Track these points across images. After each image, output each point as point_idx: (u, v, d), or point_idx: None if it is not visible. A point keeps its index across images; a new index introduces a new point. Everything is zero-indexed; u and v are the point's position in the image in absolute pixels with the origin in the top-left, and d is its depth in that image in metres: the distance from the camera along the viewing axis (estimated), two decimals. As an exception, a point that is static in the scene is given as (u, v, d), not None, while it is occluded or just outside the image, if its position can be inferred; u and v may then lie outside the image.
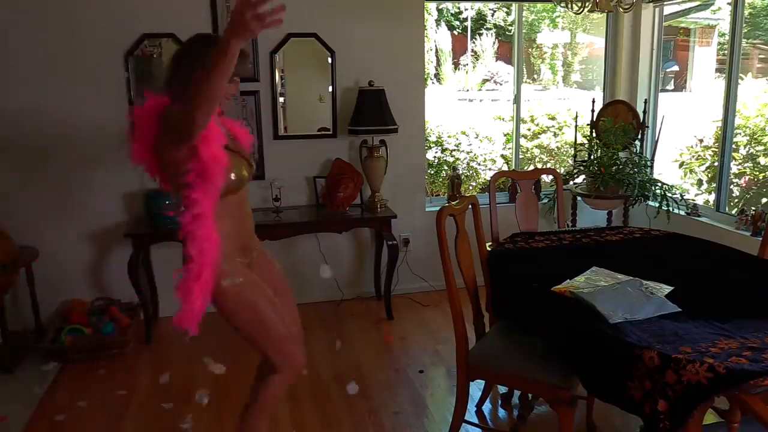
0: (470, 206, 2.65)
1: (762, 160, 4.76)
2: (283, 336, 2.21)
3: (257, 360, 3.50)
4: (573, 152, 4.85)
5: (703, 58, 6.30)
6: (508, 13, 7.71)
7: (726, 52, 4.01)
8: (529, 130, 6.43)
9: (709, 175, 4.95)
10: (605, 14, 4.64)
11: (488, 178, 3.38)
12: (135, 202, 3.92)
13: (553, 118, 6.50)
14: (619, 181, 4.24)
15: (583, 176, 4.51)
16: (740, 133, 4.68)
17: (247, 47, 2.06)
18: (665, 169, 4.97)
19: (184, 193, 1.97)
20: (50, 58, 3.70)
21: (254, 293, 2.17)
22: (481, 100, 7.77)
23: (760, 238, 2.94)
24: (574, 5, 3.46)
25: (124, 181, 3.90)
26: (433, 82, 7.66)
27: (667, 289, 2.18)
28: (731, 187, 4.55)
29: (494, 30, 7.97)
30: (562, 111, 6.54)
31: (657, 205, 4.31)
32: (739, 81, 3.97)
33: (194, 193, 1.96)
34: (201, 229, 2.01)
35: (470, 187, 6.20)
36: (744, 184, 4.89)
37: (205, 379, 3.30)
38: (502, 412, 3.01)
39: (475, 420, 2.90)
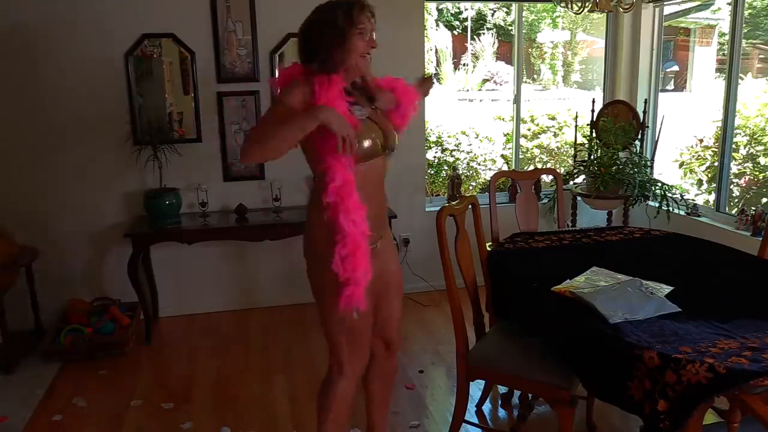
0: (470, 206, 2.65)
1: (762, 160, 4.76)
2: (365, 342, 2.14)
3: (255, 360, 3.51)
4: (573, 152, 4.85)
5: (703, 58, 6.29)
6: (508, 13, 7.70)
7: (726, 52, 4.01)
8: (529, 130, 6.42)
9: (709, 175, 4.95)
10: (605, 14, 4.64)
11: (488, 178, 3.38)
12: (135, 202, 3.92)
13: (553, 118, 6.50)
14: (619, 181, 4.24)
15: (583, 176, 4.51)
16: (740, 133, 4.68)
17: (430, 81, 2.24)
18: (665, 169, 4.97)
19: (323, 163, 1.91)
20: (50, 57, 3.70)
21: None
22: (481, 100, 7.76)
23: (760, 238, 2.94)
24: (574, 5, 3.46)
25: (124, 181, 3.91)
26: (433, 82, 7.66)
27: (667, 289, 2.18)
28: (731, 187, 4.54)
29: (494, 30, 7.96)
30: (562, 111, 6.53)
31: (657, 205, 4.31)
32: (739, 81, 3.97)
33: (330, 161, 1.89)
34: (347, 199, 1.90)
35: (470, 187, 6.20)
36: (744, 184, 4.89)
37: (204, 379, 3.30)
38: (502, 412, 3.01)
39: (475, 420, 2.90)
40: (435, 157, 6.17)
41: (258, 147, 1.83)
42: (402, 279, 2.34)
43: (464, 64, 8.05)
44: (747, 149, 4.80)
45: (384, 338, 2.33)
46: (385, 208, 2.20)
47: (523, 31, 4.83)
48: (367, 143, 1.98)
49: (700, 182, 5.10)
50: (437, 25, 7.69)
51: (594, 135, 4.54)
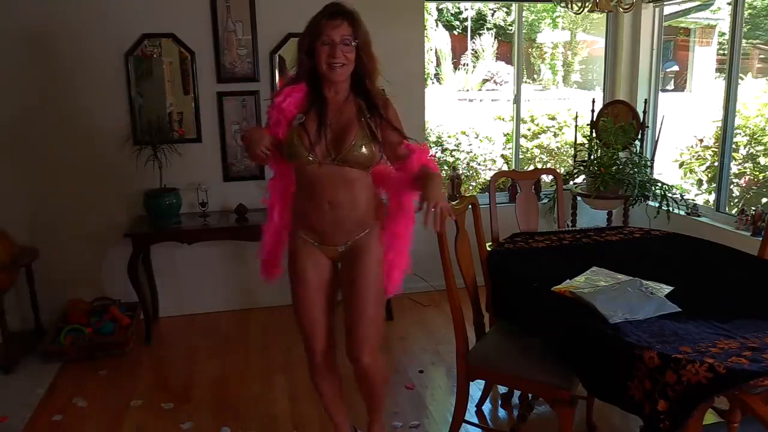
0: (470, 206, 2.65)
1: (762, 160, 4.76)
2: (302, 318, 2.30)
3: (255, 360, 3.51)
4: (573, 152, 4.85)
5: (703, 58, 6.29)
6: (508, 13, 7.69)
7: (726, 52, 4.01)
8: (529, 130, 6.42)
9: (709, 175, 4.95)
10: (605, 14, 4.64)
11: (488, 178, 3.38)
12: (135, 202, 3.92)
13: (553, 118, 6.49)
14: (619, 181, 4.24)
15: (583, 176, 4.51)
16: (740, 133, 4.68)
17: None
18: (665, 169, 4.97)
19: None
20: (50, 57, 3.70)
21: (293, 269, 2.27)
22: (481, 100, 7.75)
23: (760, 238, 2.94)
24: (574, 5, 3.46)
25: (124, 181, 3.91)
26: (433, 82, 7.66)
27: (667, 289, 2.18)
28: (731, 187, 4.54)
29: (494, 30, 7.96)
30: (562, 111, 6.53)
31: (657, 205, 4.31)
32: (739, 81, 3.97)
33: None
34: (273, 195, 2.25)
35: (470, 187, 6.20)
36: (744, 184, 4.89)
37: (204, 379, 3.30)
38: (502, 412, 3.01)
39: (475, 420, 2.90)
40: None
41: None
42: (374, 282, 2.20)
43: (464, 64, 8.05)
44: (747, 149, 4.79)
45: (350, 341, 2.22)
46: (354, 215, 2.16)
47: (523, 31, 4.83)
48: (291, 149, 2.08)
49: (700, 182, 5.10)
50: (437, 25, 7.69)
51: (594, 135, 4.54)
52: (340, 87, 2.12)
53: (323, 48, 2.02)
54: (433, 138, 6.18)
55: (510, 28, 7.45)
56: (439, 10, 7.58)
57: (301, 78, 2.11)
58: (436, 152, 6.19)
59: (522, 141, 5.87)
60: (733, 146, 4.26)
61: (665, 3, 4.53)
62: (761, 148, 4.75)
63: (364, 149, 2.08)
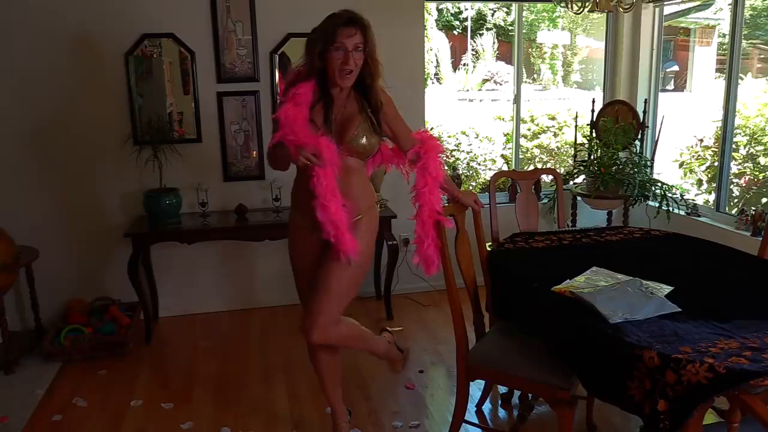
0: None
1: (762, 160, 4.76)
2: (299, 289, 2.55)
3: (255, 360, 3.51)
4: (573, 152, 4.85)
5: (703, 58, 6.28)
6: (508, 13, 7.69)
7: (726, 52, 4.01)
8: (529, 130, 6.42)
9: (709, 175, 4.95)
10: (605, 14, 4.64)
11: (488, 178, 3.39)
12: (135, 202, 3.92)
13: (553, 118, 6.49)
14: (619, 181, 4.24)
15: (583, 176, 4.51)
16: (740, 133, 4.68)
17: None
18: (665, 169, 4.97)
19: None
20: (50, 57, 3.70)
21: (290, 251, 2.60)
22: (481, 100, 7.75)
23: (760, 238, 2.94)
24: (574, 5, 3.47)
25: (124, 181, 3.91)
26: (433, 82, 7.65)
27: (667, 289, 2.18)
28: (731, 187, 4.54)
29: (494, 30, 7.96)
30: (562, 111, 6.53)
31: (657, 205, 4.31)
32: (739, 81, 3.97)
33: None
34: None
35: (470, 187, 6.20)
36: (744, 184, 4.89)
37: (204, 379, 3.30)
38: (502, 412, 3.01)
39: (475, 420, 2.90)
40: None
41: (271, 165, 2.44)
42: (332, 267, 2.31)
43: (464, 64, 8.04)
44: (747, 149, 4.79)
45: (305, 316, 2.36)
46: (346, 202, 2.26)
47: (523, 31, 4.83)
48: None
49: (700, 182, 5.10)
50: (437, 26, 7.69)
51: (594, 135, 4.54)
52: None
53: (337, 53, 2.14)
54: (433, 138, 6.17)
55: (510, 28, 7.45)
56: (439, 10, 7.58)
57: (311, 75, 2.18)
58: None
59: (522, 141, 5.87)
60: (733, 146, 4.26)
61: (665, 3, 4.53)
62: (761, 148, 4.75)
63: (364, 140, 2.25)
